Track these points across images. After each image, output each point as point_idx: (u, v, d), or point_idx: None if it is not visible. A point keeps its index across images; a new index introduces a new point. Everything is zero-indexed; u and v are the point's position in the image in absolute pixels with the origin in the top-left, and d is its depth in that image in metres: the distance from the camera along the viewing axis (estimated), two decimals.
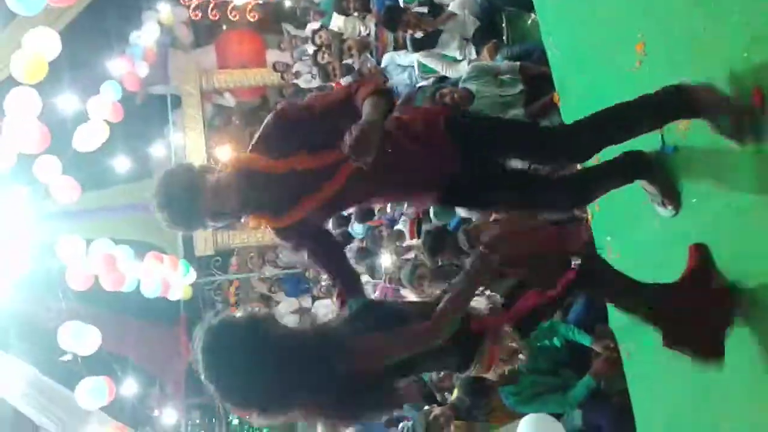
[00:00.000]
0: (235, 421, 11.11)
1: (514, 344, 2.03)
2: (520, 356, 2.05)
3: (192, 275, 7.58)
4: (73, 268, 5.93)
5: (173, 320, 8.68)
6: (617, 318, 3.04)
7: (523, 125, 2.31)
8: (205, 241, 9.93)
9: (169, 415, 8.11)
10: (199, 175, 2.07)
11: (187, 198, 2.03)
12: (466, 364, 2.04)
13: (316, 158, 2.10)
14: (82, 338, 5.56)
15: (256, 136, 2.14)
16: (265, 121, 2.13)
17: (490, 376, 2.09)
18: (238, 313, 1.82)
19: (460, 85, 4.44)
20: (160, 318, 8.40)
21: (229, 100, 11.13)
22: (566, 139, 2.29)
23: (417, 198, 2.60)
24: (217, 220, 2.15)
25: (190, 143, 10.36)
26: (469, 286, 1.91)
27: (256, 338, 1.71)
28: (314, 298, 9.72)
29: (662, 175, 2.40)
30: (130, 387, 6.99)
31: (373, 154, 1.90)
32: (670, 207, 2.41)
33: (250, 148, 2.14)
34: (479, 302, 2.15)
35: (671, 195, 2.39)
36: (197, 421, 10.31)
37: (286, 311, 10.15)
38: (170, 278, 6.89)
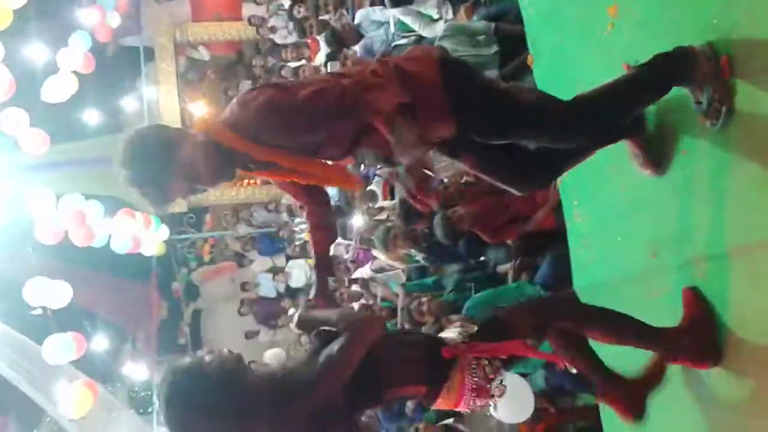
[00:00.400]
0: None
1: (491, 377, 1.98)
2: (494, 395, 2.00)
3: (164, 231, 7.52)
4: (43, 221, 5.85)
5: (145, 277, 8.65)
6: (581, 280, 3.10)
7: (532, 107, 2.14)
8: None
9: (140, 371, 8.14)
10: (173, 137, 1.93)
11: (160, 157, 1.88)
12: (434, 392, 1.99)
13: (300, 163, 2.01)
14: (49, 293, 5.51)
15: (236, 112, 1.94)
16: (251, 105, 1.91)
17: (461, 409, 2.05)
18: (207, 358, 1.73)
19: (436, 43, 4.40)
20: (132, 274, 8.36)
21: (203, 54, 10.91)
22: (559, 120, 2.13)
23: None
24: (185, 189, 2.00)
25: (163, 97, 10.17)
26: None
27: (226, 394, 1.67)
28: (288, 258, 9.73)
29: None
30: (101, 343, 6.99)
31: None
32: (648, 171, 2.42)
33: (227, 120, 1.95)
34: (452, 332, 2.08)
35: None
36: None
37: (260, 270, 10.16)
38: (141, 234, 6.84)
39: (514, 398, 3.32)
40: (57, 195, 6.08)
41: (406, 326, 4.56)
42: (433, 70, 2.02)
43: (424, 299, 4.26)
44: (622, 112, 2.17)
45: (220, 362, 1.72)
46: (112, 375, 8.32)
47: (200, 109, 10.58)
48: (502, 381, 2.00)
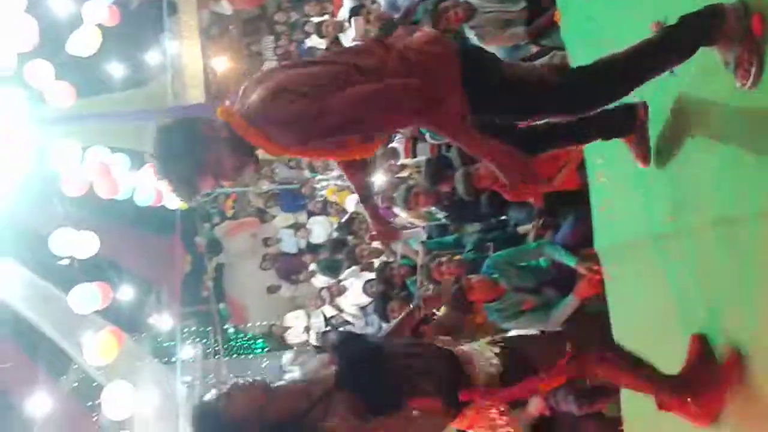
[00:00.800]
0: (231, 330, 11.42)
1: (500, 422, 2.01)
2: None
3: None
4: (68, 174, 5.94)
5: (169, 230, 8.75)
6: (602, 240, 3.10)
7: (543, 86, 2.13)
8: None
9: (165, 321, 8.31)
10: (200, 136, 1.98)
11: (187, 158, 1.96)
12: (447, 412, 2.02)
13: (328, 154, 2.14)
14: (76, 244, 5.63)
15: (259, 109, 1.95)
16: (273, 104, 1.93)
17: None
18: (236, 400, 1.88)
19: None
20: (157, 227, 8.47)
21: (226, 8, 10.83)
22: (587, 94, 2.15)
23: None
24: (212, 183, 2.08)
25: (185, 51, 10.14)
26: None
27: None
28: (310, 214, 9.79)
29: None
30: (127, 293, 7.13)
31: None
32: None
33: (250, 116, 1.97)
34: (481, 366, 2.10)
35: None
36: (192, 329, 10.58)
37: (282, 225, 10.24)
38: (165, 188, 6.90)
39: None
40: (82, 148, 6.16)
41: (426, 284, 4.60)
42: (452, 67, 2.03)
43: (443, 258, 4.28)
44: (648, 75, 2.13)
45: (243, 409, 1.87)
46: (137, 325, 8.50)
47: (222, 64, 10.56)
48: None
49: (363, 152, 2.19)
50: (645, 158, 2.52)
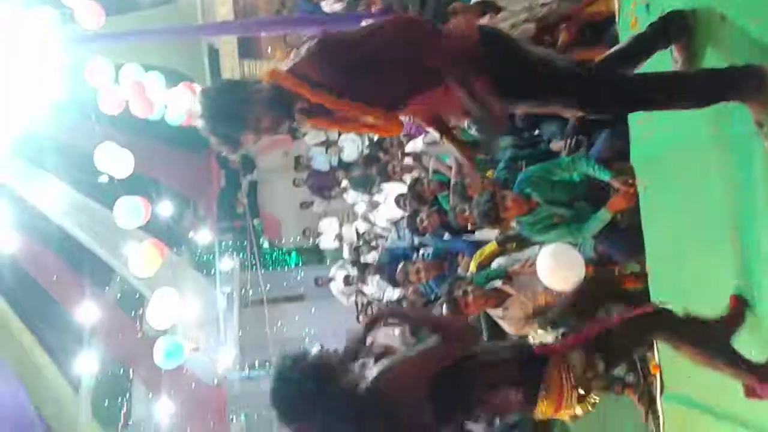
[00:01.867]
0: (266, 244, 11.72)
1: (588, 373, 1.97)
2: (592, 397, 1.98)
3: None
4: (104, 92, 6.02)
5: (204, 148, 8.86)
6: (639, 153, 3.11)
7: (569, 76, 2.21)
8: (231, 71, 9.87)
9: (203, 235, 8.56)
10: (243, 94, 2.13)
11: (231, 117, 2.10)
12: (532, 396, 1.99)
13: (360, 109, 2.14)
14: (117, 160, 5.77)
15: (304, 60, 2.12)
16: (309, 48, 2.12)
17: (564, 413, 2.02)
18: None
19: None
20: (192, 145, 8.58)
21: None
22: (610, 92, 2.21)
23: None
24: (253, 138, 2.21)
25: None
26: None
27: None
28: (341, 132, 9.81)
29: None
30: (166, 209, 7.33)
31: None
32: None
33: (293, 68, 2.13)
34: (545, 335, 2.11)
35: None
36: (229, 243, 10.87)
37: (313, 143, 10.30)
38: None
39: (564, 265, 3.49)
40: (115, 66, 6.20)
41: (457, 201, 4.66)
42: (474, 46, 2.15)
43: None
44: (664, 104, 2.23)
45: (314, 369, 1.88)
46: (176, 239, 8.77)
47: None
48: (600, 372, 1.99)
49: (390, 123, 2.22)
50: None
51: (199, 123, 2.17)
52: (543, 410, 2.01)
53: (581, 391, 1.97)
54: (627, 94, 2.19)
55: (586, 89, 2.19)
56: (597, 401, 2.03)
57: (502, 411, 2.03)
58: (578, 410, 2.00)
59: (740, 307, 2.27)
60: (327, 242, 9.66)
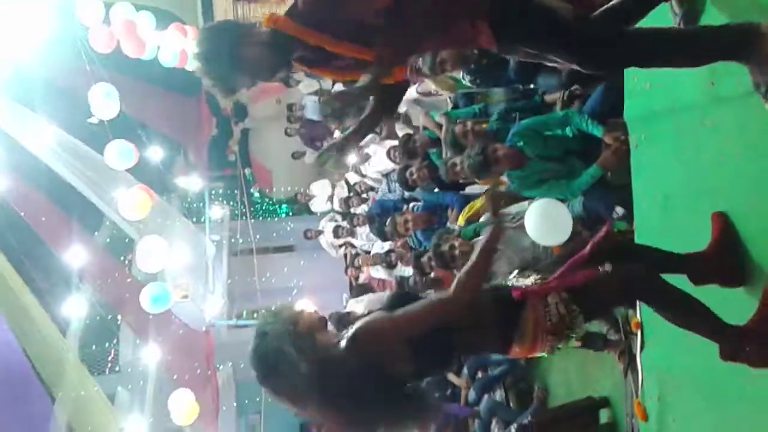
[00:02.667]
0: (256, 194, 11.68)
1: (562, 311, 1.96)
2: (572, 333, 1.97)
3: None
4: (95, 30, 5.89)
5: (196, 92, 8.74)
6: (633, 110, 3.07)
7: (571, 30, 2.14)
8: (225, 13, 9.67)
9: (193, 182, 8.51)
10: (241, 35, 2.09)
11: (227, 57, 2.07)
12: (507, 340, 2.00)
13: (356, 51, 2.09)
14: (107, 102, 5.68)
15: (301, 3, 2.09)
16: None
17: (540, 353, 2.02)
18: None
19: None
20: (183, 89, 8.46)
21: None
22: (607, 49, 2.15)
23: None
24: (249, 83, 2.18)
25: None
26: (485, 256, 1.95)
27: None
28: (334, 81, 9.67)
29: None
30: (155, 153, 7.25)
31: None
32: None
33: (291, 11, 2.10)
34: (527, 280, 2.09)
35: None
36: (220, 191, 10.83)
37: (306, 92, 10.17)
38: (191, 49, 6.84)
39: (552, 221, 3.48)
40: (106, 4, 6.06)
41: (449, 153, 4.62)
42: None
43: (468, 122, 4.26)
44: (660, 63, 2.19)
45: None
46: (166, 186, 8.72)
47: None
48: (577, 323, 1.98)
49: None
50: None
51: (195, 63, 2.13)
52: (516, 352, 2.03)
53: (555, 338, 1.98)
54: (624, 51, 2.14)
55: (584, 45, 2.14)
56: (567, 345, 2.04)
57: (477, 351, 2.05)
58: (554, 345, 2.00)
59: (726, 228, 2.29)
60: (319, 205, 9.62)
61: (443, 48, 2.19)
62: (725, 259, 2.28)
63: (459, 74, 4.80)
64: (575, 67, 2.21)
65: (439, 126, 5.11)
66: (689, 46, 2.09)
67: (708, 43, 2.06)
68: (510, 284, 2.09)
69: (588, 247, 2.12)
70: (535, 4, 2.12)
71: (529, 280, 2.08)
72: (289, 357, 1.81)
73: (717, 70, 2.39)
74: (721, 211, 2.35)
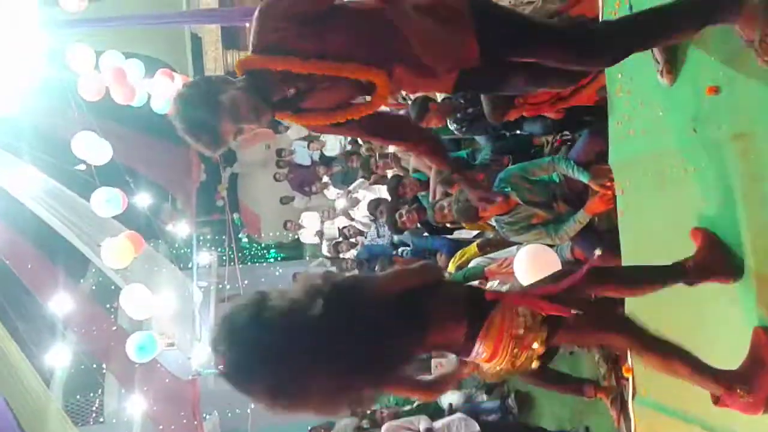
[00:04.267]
0: (245, 239, 11.64)
1: (530, 323, 1.92)
2: (534, 345, 1.93)
3: None
4: (84, 78, 5.93)
5: (184, 142, 8.76)
6: (617, 155, 3.10)
7: (554, 30, 2.21)
8: (214, 60, 9.79)
9: (181, 229, 8.46)
10: (215, 85, 2.07)
11: (206, 106, 2.03)
12: (470, 334, 1.96)
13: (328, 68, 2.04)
14: (95, 148, 5.68)
15: (253, 30, 2.07)
16: (255, 16, 2.05)
17: (499, 359, 1.97)
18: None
19: None
20: (173, 136, 8.47)
21: None
22: (598, 45, 2.17)
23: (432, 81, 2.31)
24: (233, 130, 2.11)
25: None
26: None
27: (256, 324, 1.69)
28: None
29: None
30: (143, 199, 7.24)
31: None
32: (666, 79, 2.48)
33: (251, 47, 2.09)
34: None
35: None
36: (208, 237, 10.79)
37: (296, 137, 10.24)
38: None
39: (541, 266, 3.47)
40: (96, 52, 6.11)
41: (438, 198, 4.64)
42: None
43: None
44: (657, 40, 2.21)
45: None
46: (154, 231, 8.67)
47: None
48: (540, 341, 1.94)
49: (373, 78, 2.08)
50: (670, 76, 2.48)
51: (177, 124, 2.09)
52: (474, 356, 1.97)
53: (516, 349, 1.93)
54: (621, 36, 2.16)
55: (581, 37, 2.17)
56: (525, 365, 1.97)
57: (444, 348, 2.02)
58: (515, 355, 1.95)
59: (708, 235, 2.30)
60: (308, 236, 9.61)
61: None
62: (716, 253, 2.26)
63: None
64: (577, 65, 2.23)
65: (429, 167, 5.13)
66: (679, 17, 2.10)
67: (697, 9, 2.08)
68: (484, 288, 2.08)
69: (575, 278, 2.07)
70: (523, 16, 2.18)
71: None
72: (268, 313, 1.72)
73: (699, 117, 2.43)
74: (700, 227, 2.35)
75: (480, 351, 1.96)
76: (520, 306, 1.96)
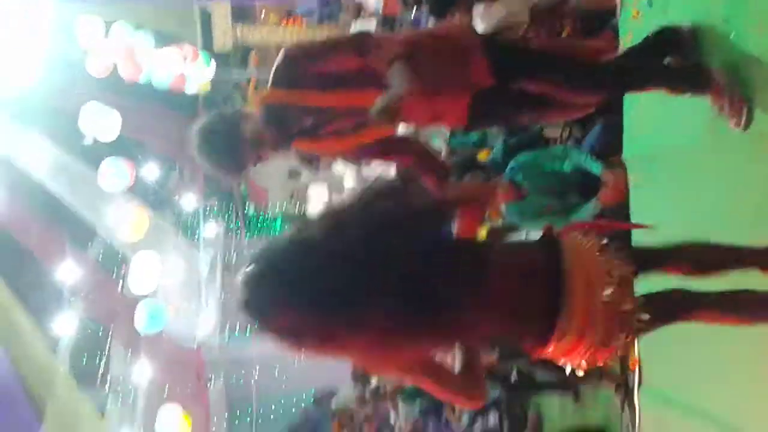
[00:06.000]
0: (252, 211, 11.66)
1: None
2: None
3: (212, 68, 7.52)
4: (93, 50, 5.90)
5: (193, 112, 8.74)
6: (631, 149, 3.10)
7: (565, 60, 2.33)
8: (224, 34, 9.69)
9: (188, 200, 8.49)
10: (234, 118, 2.14)
11: (227, 138, 2.10)
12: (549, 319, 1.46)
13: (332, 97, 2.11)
14: (103, 121, 5.68)
15: (273, 70, 2.14)
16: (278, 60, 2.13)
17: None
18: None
19: None
20: (180, 109, 8.46)
21: None
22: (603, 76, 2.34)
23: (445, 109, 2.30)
24: (255, 158, 2.18)
25: None
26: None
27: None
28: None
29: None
30: (151, 171, 7.25)
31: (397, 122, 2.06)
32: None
33: (271, 83, 2.15)
34: None
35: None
36: (215, 208, 10.81)
37: None
38: (189, 70, 6.86)
39: None
40: (106, 23, 6.08)
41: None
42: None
43: None
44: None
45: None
46: (161, 202, 8.70)
47: None
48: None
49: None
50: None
51: (198, 158, 2.15)
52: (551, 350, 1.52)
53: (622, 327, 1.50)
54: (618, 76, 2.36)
55: (594, 70, 2.33)
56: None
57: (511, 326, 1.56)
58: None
59: None
60: (314, 209, 9.63)
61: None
62: None
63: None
64: (587, 95, 2.32)
65: (439, 153, 5.14)
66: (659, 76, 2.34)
67: (681, 75, 2.31)
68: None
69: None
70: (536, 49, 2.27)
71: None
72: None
73: (713, 116, 2.43)
74: None
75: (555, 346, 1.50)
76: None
